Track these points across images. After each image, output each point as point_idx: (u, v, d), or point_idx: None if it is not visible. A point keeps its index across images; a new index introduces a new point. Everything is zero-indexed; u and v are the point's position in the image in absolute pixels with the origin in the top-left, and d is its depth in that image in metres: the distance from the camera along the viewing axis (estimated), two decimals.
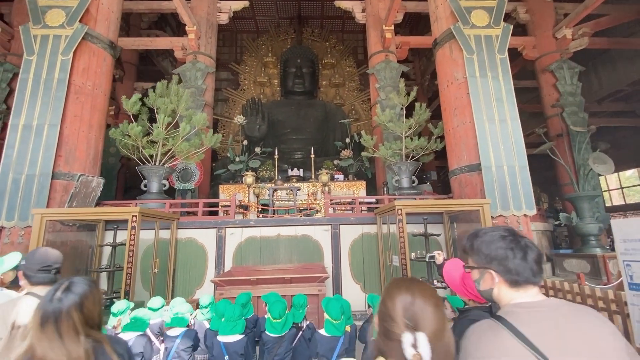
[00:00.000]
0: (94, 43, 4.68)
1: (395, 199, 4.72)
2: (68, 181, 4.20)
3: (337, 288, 4.55)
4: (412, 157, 5.50)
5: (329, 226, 4.73)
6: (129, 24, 13.47)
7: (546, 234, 7.61)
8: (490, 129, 4.42)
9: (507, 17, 12.10)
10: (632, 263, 2.28)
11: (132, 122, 4.75)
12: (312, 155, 9.15)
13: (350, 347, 2.40)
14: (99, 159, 4.80)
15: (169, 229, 4.46)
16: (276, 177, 8.59)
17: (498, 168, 4.30)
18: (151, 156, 5.21)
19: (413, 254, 4.10)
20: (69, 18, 4.45)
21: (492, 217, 4.15)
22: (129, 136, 4.87)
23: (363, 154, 5.72)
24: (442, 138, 5.29)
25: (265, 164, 10.26)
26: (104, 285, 4.27)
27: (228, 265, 4.60)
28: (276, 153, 8.92)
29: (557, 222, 6.83)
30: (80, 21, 4.53)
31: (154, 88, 9.39)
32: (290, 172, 9.42)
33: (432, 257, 2.51)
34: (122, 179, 11.51)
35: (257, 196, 7.07)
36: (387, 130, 5.56)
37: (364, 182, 8.13)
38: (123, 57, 13.43)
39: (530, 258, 0.91)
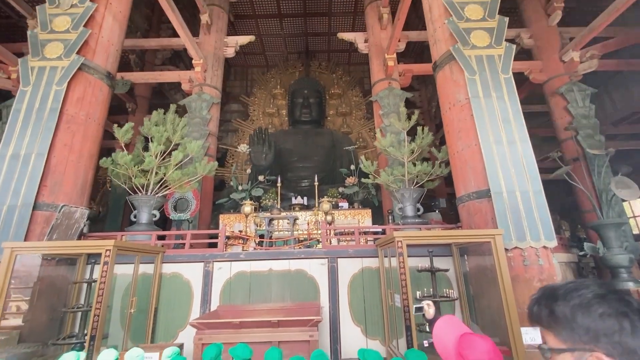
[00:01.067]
0: (91, 74, 4.71)
1: (397, 229, 4.33)
2: (51, 212, 4.02)
3: (334, 331, 4.05)
4: (417, 183, 5.16)
5: (326, 260, 4.32)
6: (144, 60, 14.18)
7: (571, 266, 6.93)
8: (499, 151, 4.07)
9: (511, 43, 12.16)
10: None
11: (124, 151, 4.64)
12: (316, 183, 8.93)
13: None
14: (89, 188, 4.64)
15: (152, 263, 4.15)
16: (278, 205, 8.33)
17: (510, 194, 3.89)
18: (144, 185, 5.05)
19: (419, 293, 3.64)
20: (66, 50, 4.52)
21: (506, 249, 3.69)
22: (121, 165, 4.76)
23: (364, 180, 5.42)
24: (447, 163, 4.97)
25: (269, 192, 10.08)
26: (76, 327, 3.93)
27: (215, 303, 4.20)
28: (279, 181, 8.74)
29: (581, 253, 6.19)
30: (78, 53, 4.59)
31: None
32: (294, 201, 9.20)
33: (420, 308, 2.00)
34: (130, 209, 11.47)
35: (259, 226, 6.77)
36: (388, 155, 5.28)
37: (370, 211, 7.75)
38: (137, 91, 14.06)
39: None
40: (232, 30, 14.87)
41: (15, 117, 4.21)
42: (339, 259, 4.34)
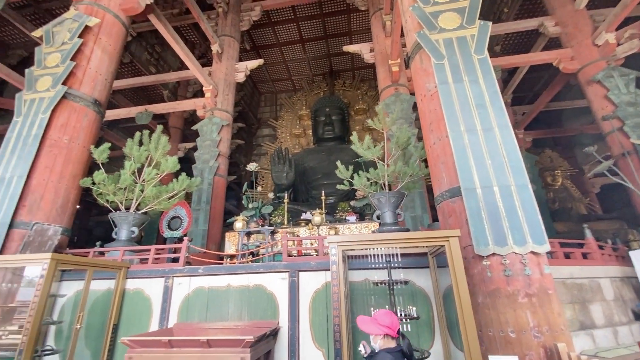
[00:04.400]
0: (76, 101, 5.10)
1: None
2: (27, 230, 4.27)
3: (292, 354, 3.60)
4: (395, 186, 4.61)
5: (286, 273, 3.95)
6: (176, 94, 15.51)
7: (631, 282, 5.67)
8: (471, 140, 3.46)
9: (535, 34, 11.06)
10: None
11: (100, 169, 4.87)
12: (323, 197, 8.70)
13: None
14: (71, 207, 4.90)
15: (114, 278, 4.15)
16: (285, 222, 8.22)
17: (485, 189, 3.24)
18: (129, 203, 5.21)
19: (373, 311, 3.09)
20: (54, 82, 4.97)
21: (480, 256, 3.02)
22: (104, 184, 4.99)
23: (338, 187, 5.00)
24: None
25: (278, 209, 10.03)
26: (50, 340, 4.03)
27: (173, 320, 4.02)
28: (286, 197, 8.68)
29: None
30: (64, 83, 5.02)
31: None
32: (303, 216, 9.08)
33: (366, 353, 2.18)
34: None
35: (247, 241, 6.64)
36: (366, 158, 4.82)
37: (378, 224, 7.24)
38: (170, 122, 15.30)
39: None
40: (258, 58, 15.80)
41: (6, 144, 4.67)
42: (300, 273, 3.94)
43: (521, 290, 2.87)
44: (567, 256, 5.18)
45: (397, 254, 3.12)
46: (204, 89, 10.24)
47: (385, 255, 3.21)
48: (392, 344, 1.99)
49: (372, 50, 10.19)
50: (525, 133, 13.06)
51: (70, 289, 4.36)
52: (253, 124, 19.46)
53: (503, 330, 2.82)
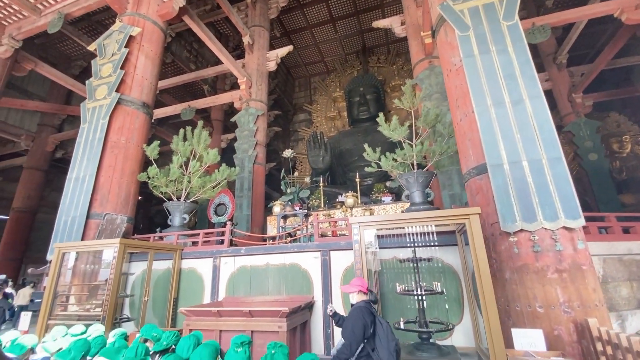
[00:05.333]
0: (128, 105, 5.75)
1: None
2: (100, 220, 5.05)
3: (327, 325, 3.92)
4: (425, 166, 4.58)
5: (318, 253, 4.23)
6: (216, 88, 16.35)
7: None
8: (499, 115, 3.33)
9: None
10: None
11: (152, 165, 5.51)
12: (357, 179, 8.82)
13: None
14: (132, 199, 5.64)
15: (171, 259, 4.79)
16: (322, 205, 8.54)
17: (513, 165, 3.14)
18: (180, 193, 5.85)
19: (399, 287, 3.24)
20: (109, 90, 5.64)
21: (507, 233, 2.99)
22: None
23: (367, 169, 5.07)
24: None
25: (315, 192, 10.36)
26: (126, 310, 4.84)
27: (222, 295, 4.56)
28: (321, 181, 8.96)
29: None
30: (117, 90, 5.68)
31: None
32: (339, 198, 9.31)
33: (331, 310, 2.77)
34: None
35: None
36: (390, 140, 4.82)
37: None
38: (212, 115, 16.25)
39: None
40: (291, 44, 15.95)
41: (77, 148, 5.48)
42: (331, 252, 4.20)
43: (551, 266, 2.81)
44: (625, 231, 4.79)
45: (424, 233, 3.20)
46: (238, 81, 10.69)
47: (413, 234, 3.30)
48: (364, 297, 2.51)
49: (403, 24, 9.76)
50: (584, 96, 11.69)
51: (138, 268, 5.12)
52: (289, 110, 19.79)
53: (531, 305, 2.81)
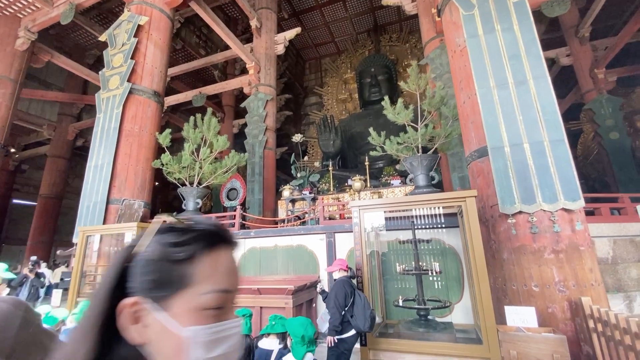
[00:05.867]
0: (140, 95, 5.94)
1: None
2: (119, 205, 5.36)
3: None
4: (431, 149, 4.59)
5: (324, 235, 4.39)
6: (226, 73, 16.37)
7: None
8: (501, 96, 3.30)
9: None
10: None
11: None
12: (366, 163, 8.85)
13: None
14: (147, 185, 5.93)
15: None
16: (331, 189, 8.67)
17: (514, 147, 3.14)
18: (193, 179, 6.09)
19: (400, 267, 3.37)
20: (121, 80, 5.83)
21: (506, 215, 3.04)
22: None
23: (372, 153, 5.11)
24: None
25: (325, 176, 10.47)
26: None
27: None
28: (330, 166, 9.05)
29: None
30: (128, 80, 5.86)
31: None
32: (349, 182, 9.40)
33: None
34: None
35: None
36: (396, 121, 4.82)
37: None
38: (223, 100, 16.37)
39: None
40: (301, 26, 15.66)
41: (95, 137, 5.75)
42: (336, 234, 4.35)
43: (548, 246, 2.86)
44: None
45: (426, 215, 3.28)
46: (247, 66, 10.70)
47: (416, 216, 3.39)
48: (345, 274, 2.88)
49: (413, 0, 9.44)
50: (607, 72, 11.09)
51: None
52: (299, 93, 19.63)
53: (526, 285, 2.89)
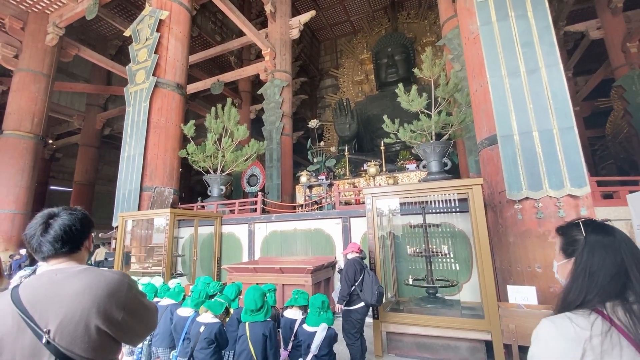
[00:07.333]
0: (164, 88, 6.28)
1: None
2: (151, 192, 5.84)
3: None
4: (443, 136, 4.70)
5: (340, 219, 4.68)
6: (242, 58, 16.47)
7: None
8: (512, 85, 3.37)
9: None
10: None
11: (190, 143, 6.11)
12: (382, 147, 8.95)
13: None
14: (175, 173, 6.37)
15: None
16: (347, 174, 8.87)
17: (524, 135, 3.24)
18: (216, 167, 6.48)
19: (410, 249, 3.62)
20: (147, 74, 6.17)
21: (513, 201, 3.20)
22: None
23: (385, 140, 5.25)
24: None
25: (341, 161, 10.63)
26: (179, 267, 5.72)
27: (257, 255, 5.24)
28: (346, 150, 9.19)
29: None
30: (154, 74, 6.19)
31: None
32: (365, 166, 9.53)
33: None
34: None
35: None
36: (409, 108, 4.92)
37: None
38: (240, 87, 16.58)
39: None
40: (316, 6, 15.40)
41: (126, 130, 6.18)
42: (351, 219, 4.62)
43: (552, 231, 3.01)
44: None
45: (439, 201, 3.49)
46: (262, 52, 10.80)
47: (429, 201, 3.60)
48: (357, 255, 3.07)
49: None
50: None
51: (186, 233, 5.94)
52: (315, 76, 19.48)
53: (530, 266, 3.08)
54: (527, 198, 3.15)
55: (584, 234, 0.82)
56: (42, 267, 0.96)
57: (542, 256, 3.02)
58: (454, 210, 4.01)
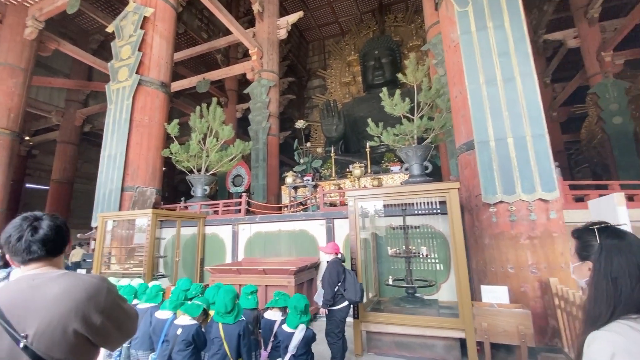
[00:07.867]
0: (148, 86, 6.18)
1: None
2: (133, 192, 5.74)
3: None
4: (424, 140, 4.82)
5: (324, 221, 4.73)
6: (229, 57, 16.30)
7: None
8: (490, 93, 3.50)
9: None
10: None
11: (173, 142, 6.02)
12: (367, 150, 9.04)
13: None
14: (158, 173, 6.27)
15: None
16: (333, 174, 8.91)
17: (499, 142, 3.37)
18: (200, 167, 6.42)
19: (391, 250, 3.71)
20: (130, 72, 6.05)
21: (488, 204, 3.33)
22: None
23: (370, 143, 5.35)
24: None
25: (328, 162, 10.67)
26: (160, 269, 5.64)
27: (241, 256, 5.23)
28: (332, 152, 9.24)
29: None
30: (137, 72, 6.08)
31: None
32: (350, 167, 9.60)
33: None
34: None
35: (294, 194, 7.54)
36: (393, 113, 5.03)
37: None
38: (226, 85, 16.39)
39: None
40: (304, 7, 15.39)
41: (107, 128, 6.05)
42: (335, 220, 4.68)
43: (524, 233, 3.16)
44: (629, 199, 4.86)
45: (418, 203, 3.58)
46: (249, 51, 10.74)
47: (408, 204, 3.69)
48: (337, 256, 3.12)
49: None
50: (615, 54, 10.89)
51: (168, 233, 5.86)
52: (303, 76, 19.48)
53: (503, 267, 3.21)
54: (501, 201, 3.28)
55: (598, 241, 0.87)
56: (17, 272, 0.96)
57: (515, 257, 3.16)
58: (434, 212, 4.14)
